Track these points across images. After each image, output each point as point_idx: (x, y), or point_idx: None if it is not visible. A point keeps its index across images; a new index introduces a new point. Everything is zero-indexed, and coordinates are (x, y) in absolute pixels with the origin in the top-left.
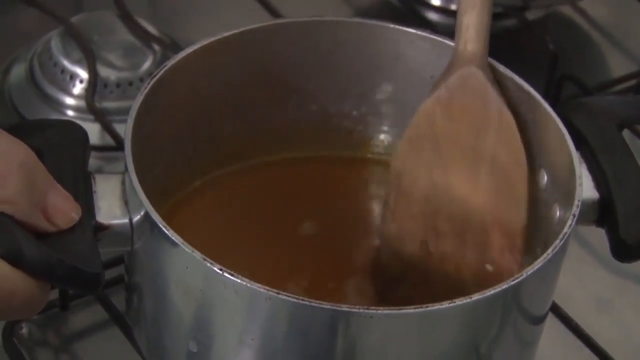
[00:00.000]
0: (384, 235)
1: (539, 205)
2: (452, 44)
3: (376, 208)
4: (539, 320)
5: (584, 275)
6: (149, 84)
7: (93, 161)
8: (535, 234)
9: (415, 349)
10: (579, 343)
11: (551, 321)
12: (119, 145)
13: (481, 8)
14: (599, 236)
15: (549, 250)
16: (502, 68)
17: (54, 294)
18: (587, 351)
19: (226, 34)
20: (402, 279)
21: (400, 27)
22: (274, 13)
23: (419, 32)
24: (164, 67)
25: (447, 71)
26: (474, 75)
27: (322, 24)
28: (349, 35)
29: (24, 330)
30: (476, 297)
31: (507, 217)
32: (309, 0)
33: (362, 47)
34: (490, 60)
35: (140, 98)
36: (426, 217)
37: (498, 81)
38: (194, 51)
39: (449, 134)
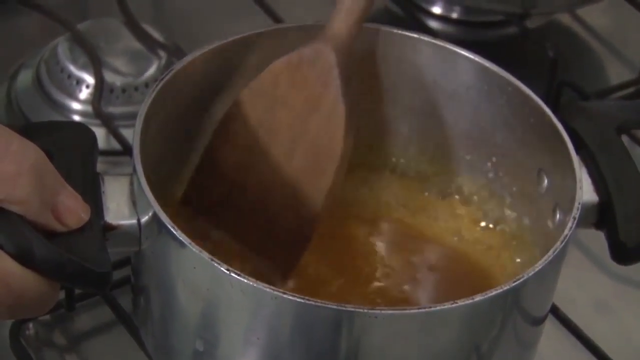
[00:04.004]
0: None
1: (540, 208)
2: (455, 49)
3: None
4: (539, 322)
5: (582, 279)
6: (157, 86)
7: (99, 165)
8: (536, 236)
9: (417, 348)
10: (578, 345)
11: (551, 323)
12: (124, 150)
13: None
14: (597, 241)
15: (550, 252)
16: (503, 73)
17: (60, 295)
18: (587, 353)
19: (231, 38)
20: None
21: (404, 32)
22: (277, 19)
23: (422, 37)
24: (172, 70)
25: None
26: (325, 54)
27: None
28: None
29: (31, 331)
30: (478, 297)
31: (306, 201)
32: (310, 6)
33: (365, 52)
34: (492, 65)
35: (148, 100)
36: (237, 170)
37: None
38: (201, 55)
39: (286, 100)
